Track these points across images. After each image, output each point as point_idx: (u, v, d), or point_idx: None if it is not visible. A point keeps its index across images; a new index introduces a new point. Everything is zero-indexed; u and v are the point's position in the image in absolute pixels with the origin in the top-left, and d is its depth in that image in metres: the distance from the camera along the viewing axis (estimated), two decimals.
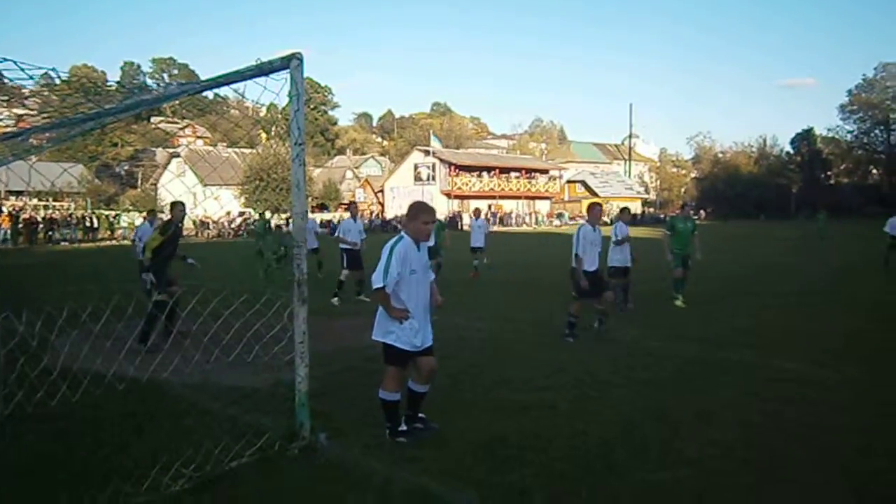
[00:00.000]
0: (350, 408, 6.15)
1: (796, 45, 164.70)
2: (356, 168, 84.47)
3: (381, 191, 72.65)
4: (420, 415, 5.51)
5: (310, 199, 59.84)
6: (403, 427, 5.30)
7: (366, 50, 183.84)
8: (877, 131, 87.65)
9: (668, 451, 5.03)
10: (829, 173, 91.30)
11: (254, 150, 62.48)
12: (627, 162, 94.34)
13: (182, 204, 9.47)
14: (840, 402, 6.23)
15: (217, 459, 4.64)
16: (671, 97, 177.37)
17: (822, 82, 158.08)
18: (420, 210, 5.27)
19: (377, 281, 5.05)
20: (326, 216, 55.29)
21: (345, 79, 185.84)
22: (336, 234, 13.98)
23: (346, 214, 14.55)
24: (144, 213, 18.73)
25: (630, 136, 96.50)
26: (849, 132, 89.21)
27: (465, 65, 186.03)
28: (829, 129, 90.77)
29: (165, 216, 12.43)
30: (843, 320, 10.83)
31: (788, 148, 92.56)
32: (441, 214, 57.27)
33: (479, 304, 12.93)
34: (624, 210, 12.98)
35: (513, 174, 71.91)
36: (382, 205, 70.68)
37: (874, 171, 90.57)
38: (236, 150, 64.59)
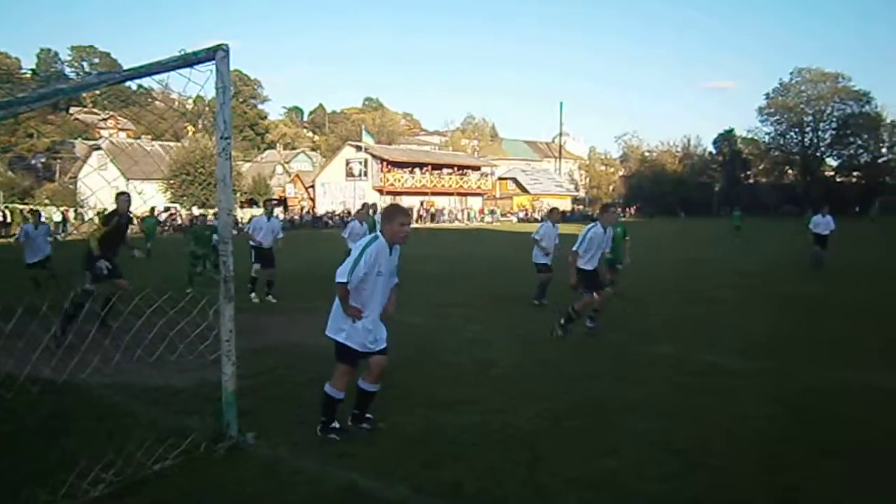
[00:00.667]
0: (278, 406, 6.06)
1: (720, 48, 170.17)
2: (287, 163, 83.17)
3: (312, 186, 71.67)
4: (367, 415, 5.43)
5: (238, 194, 58.80)
6: (336, 424, 5.25)
7: (297, 44, 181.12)
8: (792, 133, 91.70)
9: (596, 441, 5.13)
10: (748, 173, 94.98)
11: (179, 144, 60.83)
12: (558, 160, 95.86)
13: (127, 195, 9.37)
14: (762, 393, 6.48)
15: (139, 462, 4.48)
16: (601, 97, 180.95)
17: (743, 85, 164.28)
18: (397, 212, 5.20)
19: (341, 276, 4.93)
20: (256, 212, 54.24)
21: (275, 72, 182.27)
22: (247, 231, 13.66)
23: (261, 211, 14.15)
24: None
25: (560, 135, 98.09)
26: (766, 134, 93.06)
27: (398, 61, 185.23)
28: (748, 131, 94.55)
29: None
30: (761, 314, 11.27)
31: (711, 148, 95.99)
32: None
33: (412, 299, 12.88)
34: (553, 210, 13.11)
35: (445, 170, 72.03)
36: (313, 200, 69.81)
37: (789, 171, 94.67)
38: (161, 143, 62.73)
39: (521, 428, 5.44)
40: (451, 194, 70.75)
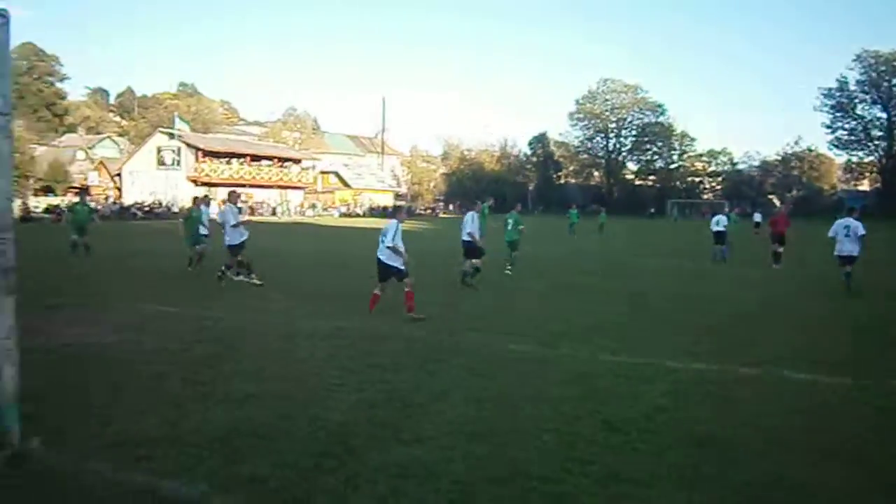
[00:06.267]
0: (71, 409, 5.62)
1: (532, 53, 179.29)
2: (90, 148, 76.95)
3: (119, 174, 66.86)
4: None
5: (31, 180, 53.49)
6: None
7: (102, 19, 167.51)
8: (598, 138, 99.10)
9: (405, 430, 5.24)
10: (559, 174, 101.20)
11: None
12: (380, 155, 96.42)
13: None
14: (556, 376, 6.94)
15: None
16: (424, 94, 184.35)
17: (555, 90, 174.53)
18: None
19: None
20: (53, 200, 49.65)
21: (77, 49, 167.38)
22: None
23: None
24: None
25: (383, 130, 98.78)
26: (576, 137, 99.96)
27: (215, 45, 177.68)
28: (560, 134, 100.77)
29: None
30: (565, 303, 12.04)
31: (526, 149, 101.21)
32: (186, 203, 54.25)
33: (217, 296, 12.44)
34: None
35: (265, 162, 70.05)
36: (120, 190, 65.15)
37: (595, 173, 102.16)
38: None
39: (329, 420, 5.43)
40: (270, 187, 68.91)
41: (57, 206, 45.21)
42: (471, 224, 14.13)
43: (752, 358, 7.91)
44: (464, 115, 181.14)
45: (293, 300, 11.82)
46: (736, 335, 9.49)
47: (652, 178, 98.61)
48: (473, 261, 14.12)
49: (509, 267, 16.68)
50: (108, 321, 9.54)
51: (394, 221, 10.26)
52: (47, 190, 58.07)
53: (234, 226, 13.29)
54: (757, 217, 37.22)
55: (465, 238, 14.19)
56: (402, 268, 10.02)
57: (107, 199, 60.66)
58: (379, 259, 10.14)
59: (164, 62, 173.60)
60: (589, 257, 23.09)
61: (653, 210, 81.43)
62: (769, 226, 21.50)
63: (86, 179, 66.63)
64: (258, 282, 13.46)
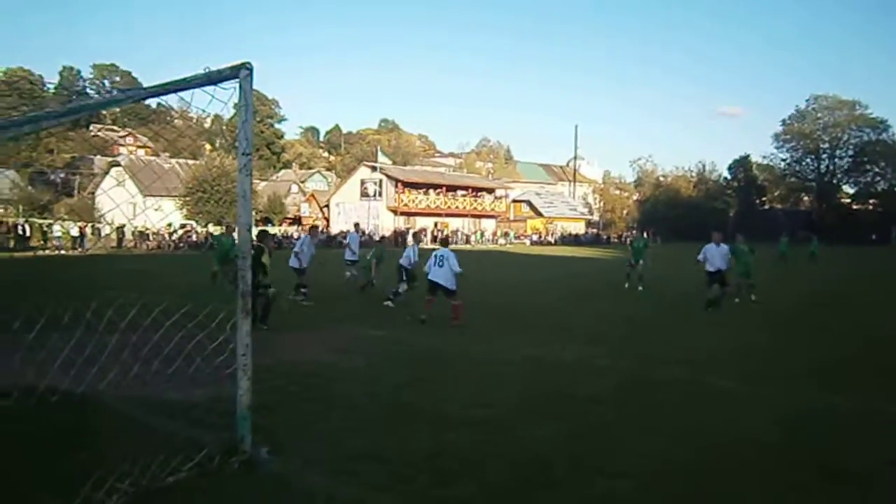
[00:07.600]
0: (291, 422, 6.09)
1: (732, 74, 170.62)
2: (302, 182, 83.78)
3: (327, 205, 72.15)
4: None
5: (254, 212, 59.20)
6: None
7: (314, 64, 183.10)
8: (808, 160, 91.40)
9: (608, 463, 5.12)
10: (763, 199, 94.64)
11: (197, 161, 61.46)
12: (572, 183, 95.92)
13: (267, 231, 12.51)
14: (764, 417, 6.45)
15: (154, 474, 4.52)
16: (615, 120, 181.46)
17: (755, 111, 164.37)
18: None
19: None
20: (271, 230, 54.48)
21: (292, 92, 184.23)
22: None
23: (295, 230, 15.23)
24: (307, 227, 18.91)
25: (575, 158, 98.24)
26: (782, 160, 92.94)
27: (414, 82, 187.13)
28: (763, 157, 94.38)
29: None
30: (765, 337, 11.20)
31: (726, 174, 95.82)
32: (387, 230, 57.13)
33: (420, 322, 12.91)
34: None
35: (459, 192, 72.23)
36: (328, 220, 70.21)
37: (805, 197, 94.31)
38: (179, 160, 63.39)
39: (532, 448, 5.44)
40: (464, 216, 70.84)
41: (275, 236, 49.69)
42: (719, 259, 14.79)
43: None
44: (659, 140, 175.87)
45: (492, 328, 12.01)
46: None
47: (872, 201, 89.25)
48: (718, 287, 14.90)
49: (753, 297, 16.78)
50: (323, 343, 10.26)
51: (447, 250, 12.40)
52: (266, 220, 63.84)
53: (296, 253, 15.99)
54: None
55: (710, 269, 14.87)
56: (455, 288, 12.06)
57: (316, 228, 65.66)
58: (433, 281, 12.18)
59: (367, 101, 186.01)
60: (804, 289, 21.31)
61: (874, 236, 73.68)
62: None
63: (299, 210, 72.64)
64: (306, 302, 14.90)
